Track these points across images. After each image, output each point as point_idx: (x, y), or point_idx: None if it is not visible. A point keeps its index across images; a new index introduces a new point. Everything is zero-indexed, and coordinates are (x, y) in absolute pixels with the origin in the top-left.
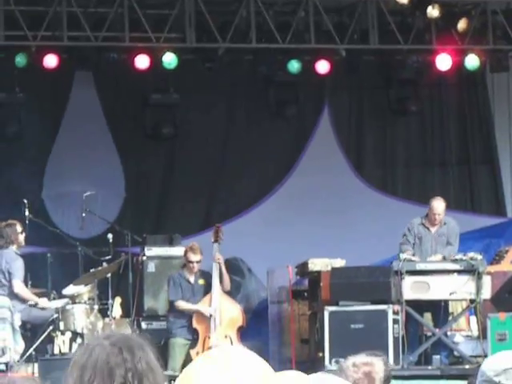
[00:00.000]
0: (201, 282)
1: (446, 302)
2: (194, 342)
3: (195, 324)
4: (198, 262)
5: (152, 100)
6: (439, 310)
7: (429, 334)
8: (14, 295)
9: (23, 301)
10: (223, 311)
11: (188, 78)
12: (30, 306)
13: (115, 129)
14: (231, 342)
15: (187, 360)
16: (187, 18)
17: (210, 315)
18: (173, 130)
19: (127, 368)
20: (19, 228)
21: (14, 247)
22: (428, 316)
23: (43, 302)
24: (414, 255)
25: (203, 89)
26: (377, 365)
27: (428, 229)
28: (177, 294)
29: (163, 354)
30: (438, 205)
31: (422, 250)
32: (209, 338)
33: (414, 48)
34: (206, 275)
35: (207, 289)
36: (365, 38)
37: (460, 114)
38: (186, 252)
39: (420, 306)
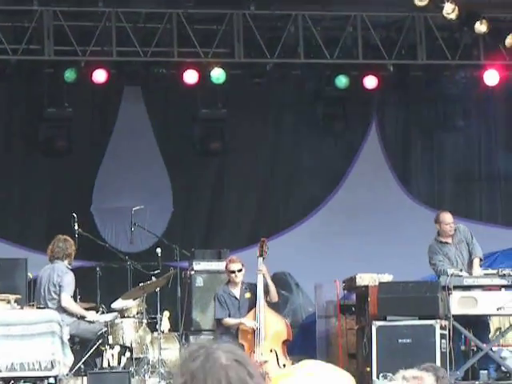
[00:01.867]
0: (247, 295)
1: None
2: None
3: (241, 339)
4: (239, 271)
5: (200, 115)
6: (484, 325)
7: (475, 349)
8: (62, 309)
9: (72, 314)
10: (268, 325)
11: (236, 93)
12: (79, 319)
13: (164, 143)
14: (276, 356)
15: None
16: (235, 34)
17: (254, 329)
18: (221, 145)
19: None
20: (74, 246)
21: (66, 262)
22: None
23: (91, 315)
24: (461, 270)
25: (251, 104)
26: (426, 379)
27: (446, 243)
28: (223, 313)
29: None
30: (448, 215)
31: (453, 265)
32: (254, 352)
33: (461, 63)
34: (253, 288)
35: (254, 302)
36: (413, 53)
37: (508, 129)
38: (226, 265)
39: (464, 321)
